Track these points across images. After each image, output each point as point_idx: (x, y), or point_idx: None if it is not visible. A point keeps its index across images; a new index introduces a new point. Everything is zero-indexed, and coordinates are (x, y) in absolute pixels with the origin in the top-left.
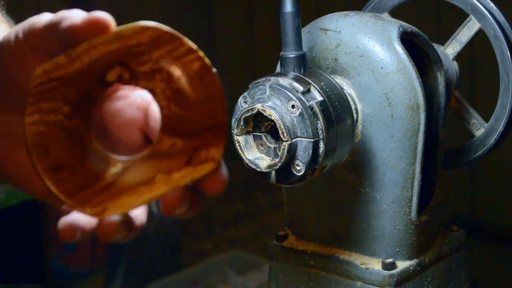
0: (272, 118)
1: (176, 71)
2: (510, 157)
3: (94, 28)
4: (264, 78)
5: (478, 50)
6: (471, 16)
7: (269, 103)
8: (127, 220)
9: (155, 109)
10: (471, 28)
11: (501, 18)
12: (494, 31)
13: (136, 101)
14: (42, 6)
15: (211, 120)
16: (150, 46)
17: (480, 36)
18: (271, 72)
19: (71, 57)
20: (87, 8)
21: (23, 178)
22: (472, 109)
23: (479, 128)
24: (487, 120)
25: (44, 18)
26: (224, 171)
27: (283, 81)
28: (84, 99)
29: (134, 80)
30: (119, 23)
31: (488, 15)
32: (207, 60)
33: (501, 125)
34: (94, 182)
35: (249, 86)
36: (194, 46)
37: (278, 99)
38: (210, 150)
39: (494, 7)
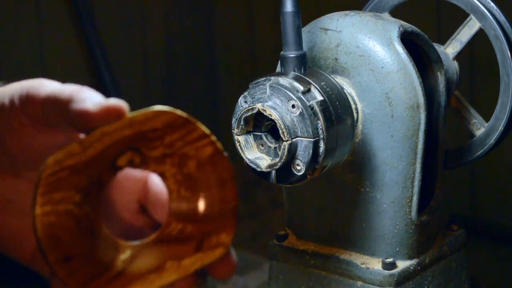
0: (272, 117)
1: (188, 156)
2: (510, 157)
3: (109, 116)
4: (265, 78)
5: (478, 50)
6: (471, 16)
7: (270, 103)
8: None
9: (153, 181)
10: (471, 27)
11: (501, 18)
12: (494, 31)
13: (134, 171)
14: (42, 6)
15: (222, 204)
16: (163, 131)
17: (480, 36)
18: (271, 71)
19: (84, 145)
20: (88, 8)
21: (8, 241)
22: (472, 109)
23: (479, 128)
24: (487, 120)
25: (44, 89)
26: (233, 255)
27: (284, 80)
28: (94, 185)
29: (144, 164)
30: (119, 22)
31: (488, 14)
32: (219, 145)
33: (501, 125)
34: (106, 271)
35: (249, 86)
36: (207, 131)
37: (279, 98)
38: (221, 235)
39: (494, 7)
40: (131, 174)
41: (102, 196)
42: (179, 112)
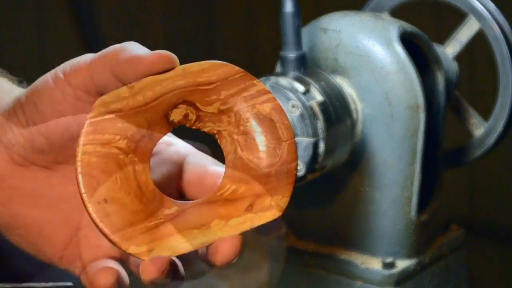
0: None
1: (245, 113)
2: (510, 157)
3: (161, 63)
4: (264, 78)
5: (478, 50)
6: (471, 16)
7: None
8: (173, 265)
9: (190, 164)
10: (471, 28)
11: (501, 18)
12: (493, 31)
13: (170, 157)
14: (43, 6)
15: (280, 165)
16: (219, 85)
17: (480, 36)
18: (271, 72)
19: (133, 90)
20: (88, 9)
21: (38, 238)
22: (472, 109)
23: (478, 128)
24: (486, 120)
25: (88, 56)
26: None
27: (283, 81)
28: (145, 137)
29: (200, 121)
30: (120, 22)
31: (488, 15)
32: (278, 102)
33: (501, 125)
34: (144, 221)
35: None
36: (265, 87)
37: (278, 98)
38: (275, 197)
39: (494, 7)
40: (167, 158)
41: (152, 151)
42: (236, 67)
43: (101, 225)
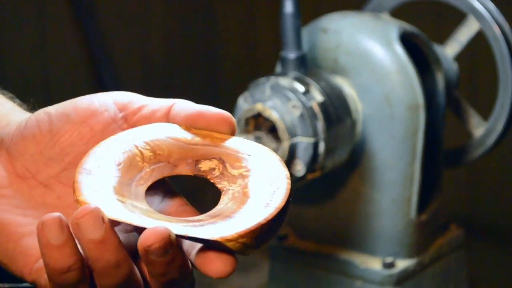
0: (272, 118)
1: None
2: (510, 157)
3: (221, 123)
4: (265, 78)
5: (478, 50)
6: (471, 16)
7: (270, 103)
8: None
9: (176, 107)
10: (471, 28)
11: (501, 18)
12: (493, 32)
13: (159, 108)
14: (43, 6)
15: (250, 217)
16: (253, 159)
17: (480, 36)
18: (271, 72)
19: (191, 131)
20: (88, 9)
21: (16, 246)
22: (472, 109)
23: (478, 128)
24: (486, 120)
25: (141, 99)
26: None
27: (284, 81)
28: (168, 164)
29: (220, 178)
30: (120, 22)
31: (488, 15)
32: (290, 187)
33: (501, 125)
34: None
35: (249, 86)
36: (288, 173)
37: (279, 99)
38: (225, 228)
39: (494, 7)
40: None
41: (163, 179)
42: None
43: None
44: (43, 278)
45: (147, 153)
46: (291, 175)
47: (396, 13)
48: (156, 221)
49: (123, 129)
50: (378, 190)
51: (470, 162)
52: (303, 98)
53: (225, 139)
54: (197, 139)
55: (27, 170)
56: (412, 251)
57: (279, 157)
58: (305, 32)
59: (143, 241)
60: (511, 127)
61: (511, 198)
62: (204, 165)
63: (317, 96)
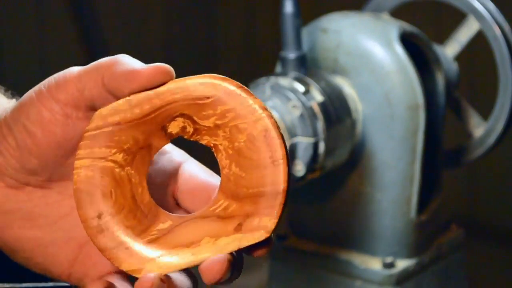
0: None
1: (240, 129)
2: (510, 157)
3: (158, 76)
4: (265, 78)
5: (478, 50)
6: (471, 16)
7: (270, 103)
8: (167, 279)
9: (185, 174)
10: (470, 28)
11: (500, 18)
12: (493, 32)
13: (165, 166)
14: (42, 6)
15: (270, 185)
16: (216, 100)
17: (480, 36)
18: (271, 72)
19: (131, 103)
20: (88, 9)
21: (44, 259)
22: (472, 109)
23: (478, 128)
24: (486, 120)
25: (74, 69)
26: (272, 240)
27: (284, 81)
28: (142, 149)
29: (198, 134)
30: (120, 22)
31: (488, 15)
32: (273, 120)
33: (501, 125)
34: (137, 237)
35: (249, 86)
36: (261, 104)
37: (279, 99)
38: (263, 218)
39: (494, 7)
40: (161, 167)
41: (150, 163)
42: (233, 82)
43: (94, 242)
44: (86, 283)
45: (119, 156)
46: (291, 175)
47: (396, 13)
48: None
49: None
50: (378, 190)
51: (470, 162)
52: (303, 98)
53: (171, 91)
54: (146, 106)
55: (17, 181)
56: (412, 251)
57: (235, 86)
58: (305, 32)
59: None
60: (511, 127)
61: (511, 198)
62: (173, 128)
63: (317, 96)
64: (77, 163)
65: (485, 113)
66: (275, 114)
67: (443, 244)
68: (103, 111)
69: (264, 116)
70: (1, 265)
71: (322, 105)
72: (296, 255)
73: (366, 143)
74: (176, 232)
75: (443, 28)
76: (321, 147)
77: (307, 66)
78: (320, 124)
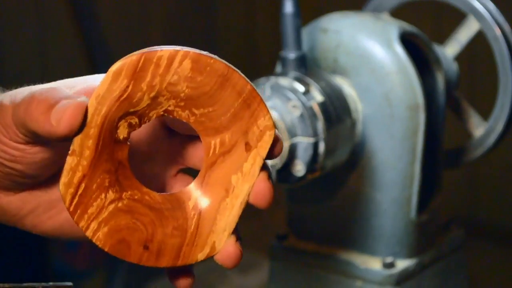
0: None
1: (174, 83)
2: (510, 157)
3: (75, 125)
4: (265, 78)
5: (478, 50)
6: (471, 16)
7: (270, 103)
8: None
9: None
10: (470, 28)
11: (500, 18)
12: (493, 32)
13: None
14: (42, 6)
15: (239, 95)
16: (133, 84)
17: (480, 36)
18: (271, 72)
19: (78, 154)
20: (88, 9)
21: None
22: (472, 109)
23: (478, 128)
24: (486, 120)
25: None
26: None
27: (284, 81)
28: (118, 170)
29: (144, 117)
30: (120, 21)
31: (488, 15)
32: (195, 53)
33: (501, 125)
34: (185, 233)
35: None
36: (172, 48)
37: (279, 99)
38: (259, 122)
39: (494, 7)
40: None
41: (132, 173)
42: (131, 56)
43: (160, 264)
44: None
45: (105, 194)
46: (291, 175)
47: (396, 13)
48: None
49: None
50: (378, 190)
51: (470, 162)
52: (303, 98)
53: (97, 110)
54: (90, 144)
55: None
56: (412, 251)
57: (125, 59)
58: (305, 32)
59: None
60: (511, 127)
61: (511, 198)
62: (121, 133)
63: (317, 96)
64: (82, 224)
65: (485, 113)
66: (275, 114)
67: (443, 244)
68: (64, 180)
69: (186, 54)
70: (1, 265)
71: (322, 105)
72: (296, 255)
73: (366, 143)
74: (207, 193)
75: (443, 28)
76: (321, 147)
77: (307, 66)
78: (320, 124)
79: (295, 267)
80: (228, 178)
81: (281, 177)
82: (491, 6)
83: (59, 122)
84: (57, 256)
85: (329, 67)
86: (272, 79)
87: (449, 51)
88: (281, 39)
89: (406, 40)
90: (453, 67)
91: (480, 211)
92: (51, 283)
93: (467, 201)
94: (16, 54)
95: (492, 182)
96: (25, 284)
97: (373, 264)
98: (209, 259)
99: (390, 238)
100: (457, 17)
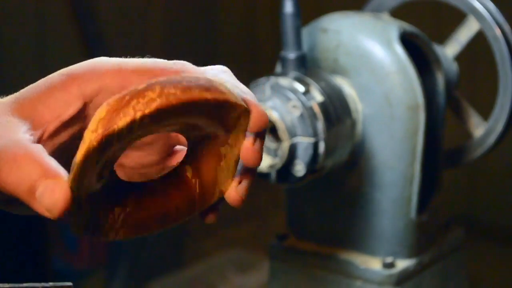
0: (272, 118)
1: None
2: (510, 157)
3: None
4: (265, 78)
5: (478, 50)
6: (471, 16)
7: (270, 103)
8: None
9: None
10: (470, 28)
11: (501, 18)
12: (493, 32)
13: None
14: (42, 6)
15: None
16: (104, 146)
17: (480, 36)
18: (271, 72)
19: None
20: (88, 8)
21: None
22: (472, 109)
23: (478, 128)
24: (486, 120)
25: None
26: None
27: (284, 81)
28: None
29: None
30: (120, 21)
31: (488, 15)
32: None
33: (501, 125)
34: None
35: (249, 86)
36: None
37: (279, 99)
38: (237, 109)
39: (494, 7)
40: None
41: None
42: (106, 105)
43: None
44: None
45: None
46: (291, 175)
47: (396, 13)
48: None
49: None
50: (378, 190)
51: (470, 162)
52: (303, 98)
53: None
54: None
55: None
56: (412, 251)
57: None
58: (305, 32)
59: None
60: (511, 127)
61: (511, 198)
62: (104, 173)
63: (317, 96)
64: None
65: (485, 113)
66: (275, 114)
67: (443, 244)
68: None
69: (157, 96)
70: (1, 265)
71: (322, 105)
72: (296, 255)
73: (366, 143)
74: (202, 163)
75: (443, 28)
76: (321, 147)
77: (307, 66)
78: (320, 124)
79: (295, 267)
80: (217, 151)
81: (281, 177)
82: (491, 6)
83: (51, 210)
84: (57, 256)
85: (329, 67)
86: (272, 79)
87: (449, 51)
88: (281, 39)
89: (406, 40)
90: (453, 67)
91: (480, 211)
92: (51, 283)
93: (467, 201)
94: (16, 54)
95: (492, 182)
96: (25, 284)
97: (373, 264)
98: (209, 259)
99: (390, 238)
100: (457, 17)
